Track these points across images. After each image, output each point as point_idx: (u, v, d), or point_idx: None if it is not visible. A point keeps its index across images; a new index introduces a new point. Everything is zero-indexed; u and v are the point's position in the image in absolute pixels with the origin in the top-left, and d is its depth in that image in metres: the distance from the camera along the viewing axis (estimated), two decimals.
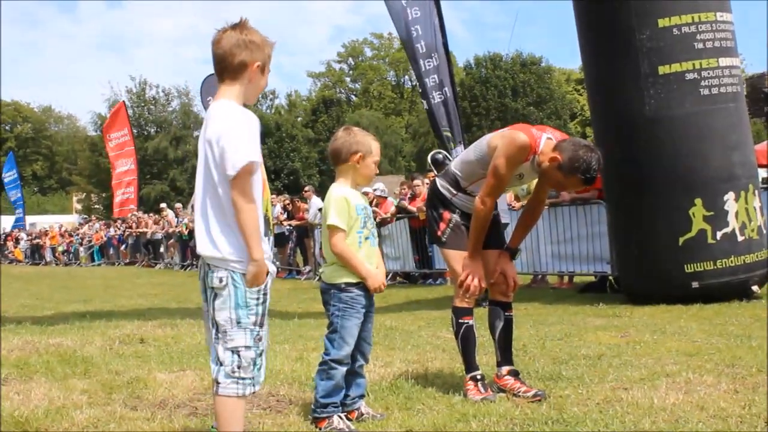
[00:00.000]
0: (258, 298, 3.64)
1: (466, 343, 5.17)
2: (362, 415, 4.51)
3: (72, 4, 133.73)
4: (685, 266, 9.32)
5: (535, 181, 5.28)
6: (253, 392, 3.70)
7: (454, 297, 5.24)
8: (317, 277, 18.00)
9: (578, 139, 4.95)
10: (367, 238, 4.51)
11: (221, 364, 3.63)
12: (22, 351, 7.29)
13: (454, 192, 5.26)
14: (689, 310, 8.69)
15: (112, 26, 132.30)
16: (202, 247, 3.65)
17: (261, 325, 3.66)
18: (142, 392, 5.40)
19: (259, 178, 3.68)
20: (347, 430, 4.31)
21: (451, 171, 5.36)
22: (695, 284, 9.29)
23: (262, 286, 3.64)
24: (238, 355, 3.61)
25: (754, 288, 9.52)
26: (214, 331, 3.67)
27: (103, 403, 5.11)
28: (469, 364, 5.14)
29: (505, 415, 4.44)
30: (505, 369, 5.15)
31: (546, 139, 4.90)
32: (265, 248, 3.67)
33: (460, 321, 5.18)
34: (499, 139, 5.02)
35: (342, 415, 4.39)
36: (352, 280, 4.43)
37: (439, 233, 5.29)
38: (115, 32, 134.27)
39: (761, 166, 15.53)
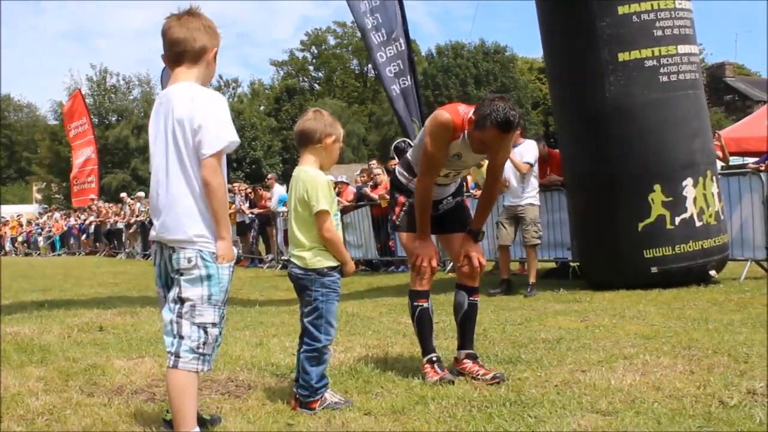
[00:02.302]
0: (228, 275, 3.72)
1: (421, 326, 5.19)
2: (325, 401, 4.47)
3: None
4: (644, 252, 9.40)
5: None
6: (209, 369, 3.79)
7: (410, 281, 5.26)
8: (279, 265, 17.95)
9: (492, 95, 4.86)
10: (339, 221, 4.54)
11: (183, 338, 3.66)
12: None
13: (410, 177, 5.29)
14: (648, 295, 8.77)
15: (76, 16, 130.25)
16: (168, 230, 3.68)
17: (224, 304, 3.76)
18: (99, 379, 5.35)
19: (225, 160, 3.75)
20: (342, 401, 4.40)
21: (406, 158, 5.42)
22: (654, 269, 9.37)
23: (231, 264, 3.73)
24: (205, 332, 3.68)
25: (712, 273, 9.63)
26: (177, 307, 3.68)
27: (59, 389, 5.06)
28: (425, 347, 5.16)
29: (463, 397, 4.45)
30: (463, 353, 5.16)
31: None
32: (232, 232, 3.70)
33: (414, 304, 5.20)
34: (427, 120, 5.06)
35: (330, 390, 4.47)
36: (333, 264, 4.42)
37: (394, 217, 5.33)
38: (78, 22, 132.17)
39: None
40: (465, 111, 4.89)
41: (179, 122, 3.60)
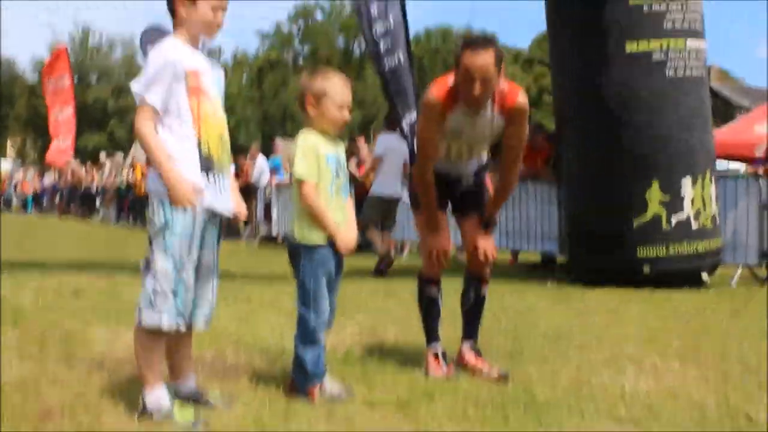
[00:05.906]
0: (182, 222, 3.57)
1: (428, 313, 4.92)
2: (325, 390, 4.11)
3: None
4: (638, 249, 9.20)
5: None
6: (177, 329, 3.63)
7: (423, 266, 4.99)
8: (257, 241, 17.65)
9: None
10: (338, 191, 4.16)
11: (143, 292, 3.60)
12: None
13: None
14: (640, 294, 8.50)
15: None
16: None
17: (184, 254, 3.60)
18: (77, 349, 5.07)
19: (186, 114, 3.68)
20: (343, 392, 4.06)
21: None
22: (647, 268, 9.18)
23: (188, 211, 3.57)
24: (155, 278, 3.57)
25: (704, 276, 9.47)
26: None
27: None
28: (430, 335, 4.89)
29: (471, 394, 4.14)
30: (467, 345, 4.90)
31: None
32: (197, 180, 3.63)
33: (422, 289, 4.93)
34: None
35: (329, 378, 4.13)
36: (323, 237, 4.07)
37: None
38: None
39: None
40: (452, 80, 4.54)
41: None
